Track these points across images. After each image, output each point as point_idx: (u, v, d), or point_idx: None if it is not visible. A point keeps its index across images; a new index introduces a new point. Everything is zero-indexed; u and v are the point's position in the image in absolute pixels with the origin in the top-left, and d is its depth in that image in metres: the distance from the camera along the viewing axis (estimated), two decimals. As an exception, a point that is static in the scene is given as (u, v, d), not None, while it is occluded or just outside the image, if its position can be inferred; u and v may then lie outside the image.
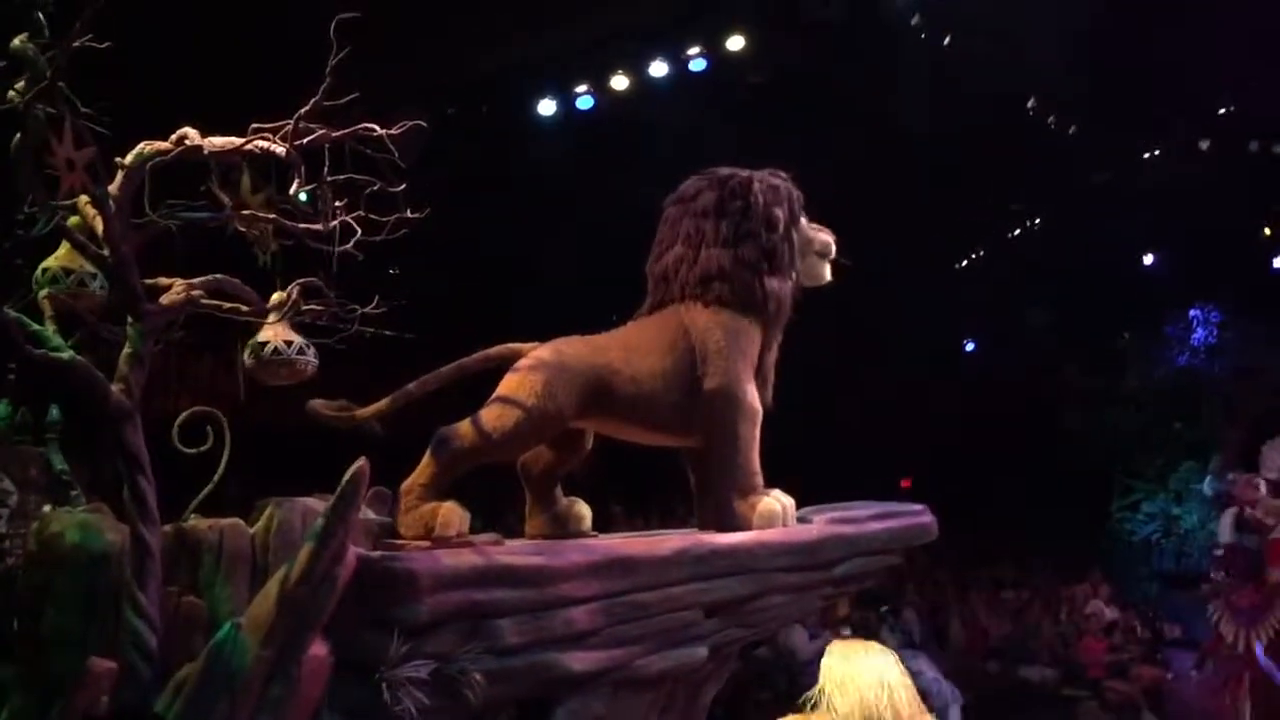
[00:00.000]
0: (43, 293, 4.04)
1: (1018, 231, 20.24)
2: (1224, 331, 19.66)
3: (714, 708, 5.18)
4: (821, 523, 4.93)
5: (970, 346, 23.47)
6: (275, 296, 4.35)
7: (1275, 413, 17.74)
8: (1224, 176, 16.84)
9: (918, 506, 5.23)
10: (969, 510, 12.33)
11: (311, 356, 4.43)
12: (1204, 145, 16.84)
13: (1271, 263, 20.06)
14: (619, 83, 11.78)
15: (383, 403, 4.60)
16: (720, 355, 4.85)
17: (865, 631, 9.87)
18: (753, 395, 4.94)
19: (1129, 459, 19.91)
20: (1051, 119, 15.75)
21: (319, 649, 3.68)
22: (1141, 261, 20.77)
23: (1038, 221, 19.98)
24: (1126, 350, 20.92)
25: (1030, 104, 15.31)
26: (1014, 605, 13.21)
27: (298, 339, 4.39)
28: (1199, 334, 19.87)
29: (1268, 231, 19.92)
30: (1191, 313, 20.02)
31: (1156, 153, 17.57)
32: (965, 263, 21.01)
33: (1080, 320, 20.17)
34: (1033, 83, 14.99)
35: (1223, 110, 16.65)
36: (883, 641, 4.23)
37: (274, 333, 4.37)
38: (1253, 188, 17.21)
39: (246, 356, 4.39)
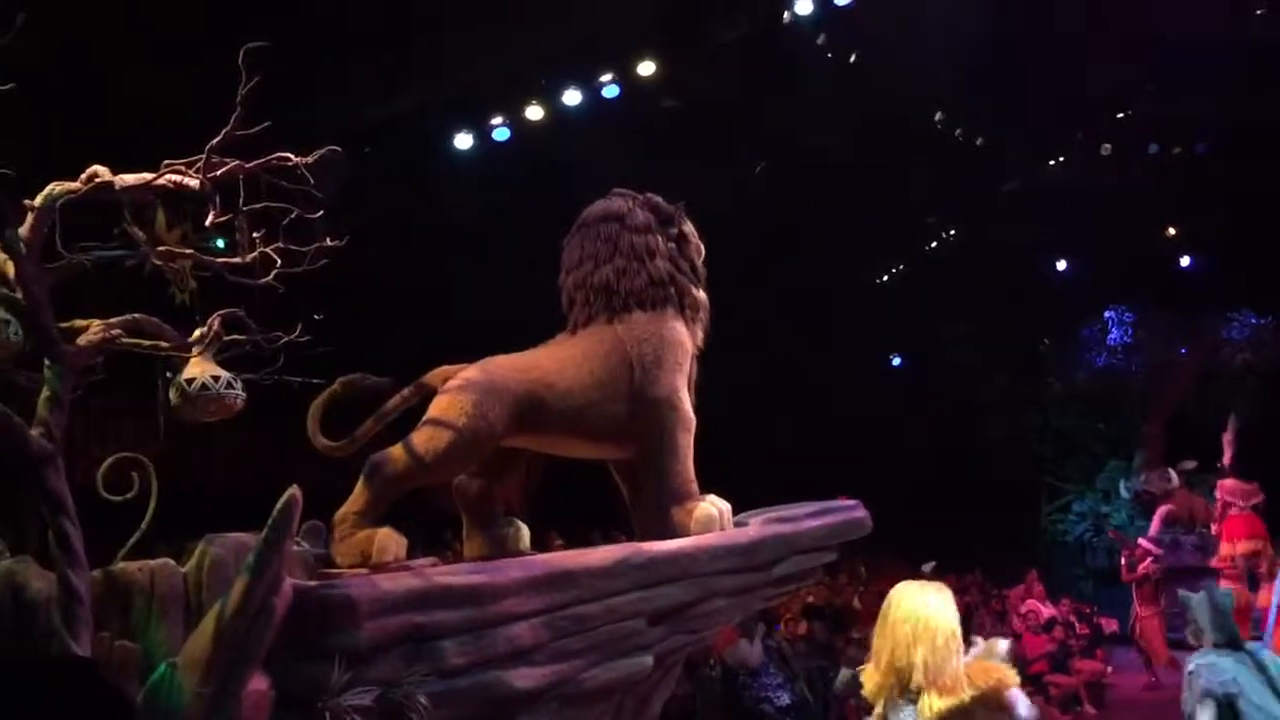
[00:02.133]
0: (-46, 340, 3.97)
1: (934, 245, 20.60)
2: (1138, 330, 20.22)
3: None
4: (758, 524, 4.97)
5: (897, 361, 23.80)
6: (197, 333, 4.32)
7: (1187, 409, 18.36)
8: (1127, 179, 17.35)
9: (851, 502, 5.31)
10: (907, 522, 12.45)
11: (239, 391, 4.40)
12: (1105, 150, 17.33)
13: (1178, 260, 20.71)
14: (533, 113, 11.88)
15: (368, 423, 4.65)
16: (659, 365, 4.92)
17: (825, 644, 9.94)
18: (689, 404, 5.02)
19: (1057, 462, 20.32)
20: (958, 131, 16.10)
21: (259, 683, 3.62)
22: (1055, 267, 21.31)
23: (952, 233, 20.37)
24: (1046, 355, 21.41)
25: (937, 117, 15.63)
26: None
27: (224, 374, 4.35)
28: (1114, 334, 20.41)
29: (1172, 231, 20.56)
30: (1106, 314, 20.57)
31: (1061, 160, 18.04)
32: (886, 278, 21.32)
33: (1000, 328, 20.60)
34: (938, 96, 15.33)
35: (1121, 115, 17.16)
36: None
37: (200, 369, 4.33)
38: (1155, 188, 17.75)
39: (173, 395, 4.34)
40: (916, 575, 4.74)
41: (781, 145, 14.54)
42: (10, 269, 3.81)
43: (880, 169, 15.49)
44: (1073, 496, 19.89)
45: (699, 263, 5.37)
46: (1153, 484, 16.05)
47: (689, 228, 5.37)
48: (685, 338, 5.12)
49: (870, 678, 4.18)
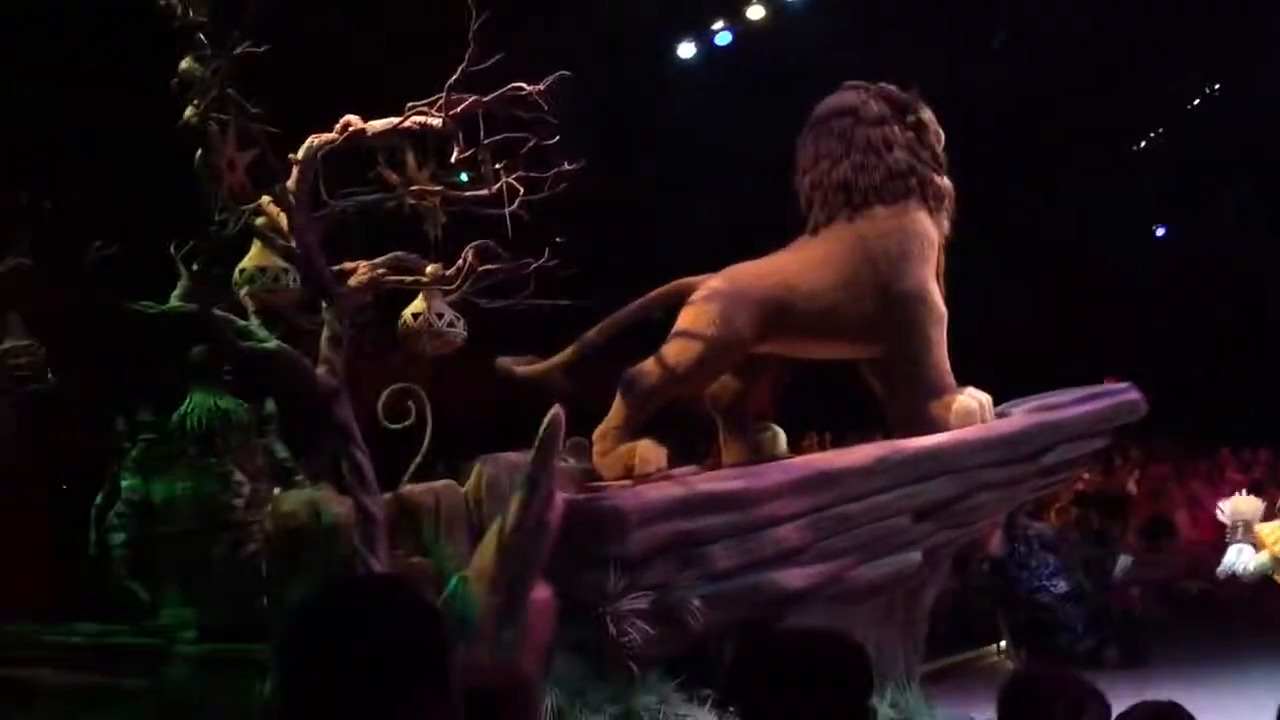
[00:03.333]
0: (243, 291, 4.30)
1: (1197, 102, 18.97)
2: None
3: (935, 623, 5.13)
4: (1022, 414, 4.82)
5: (1161, 232, 22.26)
6: (431, 268, 4.44)
7: None
8: None
9: (1122, 384, 5.05)
10: (1180, 403, 11.73)
11: (461, 328, 4.53)
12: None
13: None
14: (754, 12, 11.61)
15: (566, 352, 4.74)
16: (906, 259, 4.82)
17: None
18: (938, 296, 4.89)
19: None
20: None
21: (543, 591, 3.83)
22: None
23: (1217, 88, 18.67)
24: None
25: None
26: (1241, 485, 12.52)
27: (448, 312, 4.50)
28: None
29: None
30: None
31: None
32: (1144, 144, 19.84)
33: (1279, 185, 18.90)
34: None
35: None
36: None
37: (426, 305, 4.49)
38: None
39: (399, 329, 4.53)
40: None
41: (1020, 13, 13.70)
42: (283, 221, 4.08)
43: (1128, 25, 14.35)
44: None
45: (940, 149, 5.16)
46: None
47: (927, 114, 5.15)
48: (930, 228, 4.96)
49: None
